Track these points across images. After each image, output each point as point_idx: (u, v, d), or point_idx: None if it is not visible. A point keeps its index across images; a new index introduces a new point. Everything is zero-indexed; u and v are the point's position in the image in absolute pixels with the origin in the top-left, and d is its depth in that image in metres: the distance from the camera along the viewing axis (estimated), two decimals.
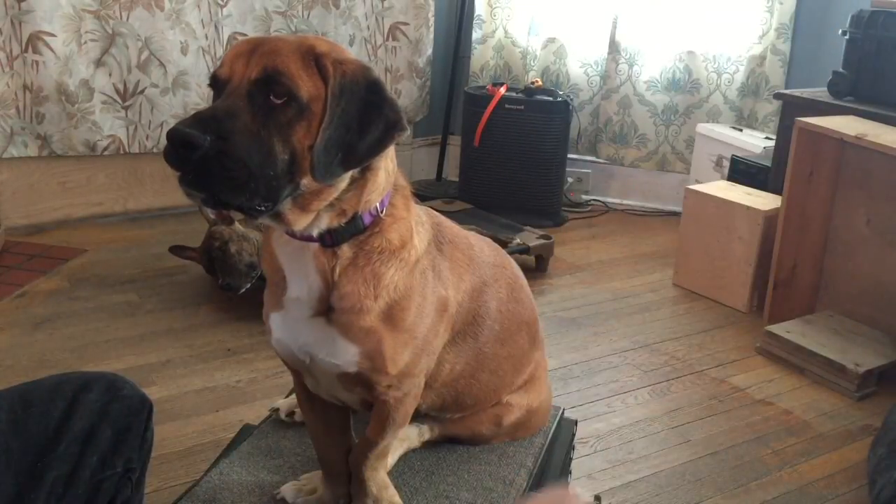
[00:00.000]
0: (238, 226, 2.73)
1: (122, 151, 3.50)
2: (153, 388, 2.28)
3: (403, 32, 4.10)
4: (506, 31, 4.17)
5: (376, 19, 4.03)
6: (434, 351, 1.35)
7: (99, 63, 3.35)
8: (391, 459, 1.51)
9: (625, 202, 4.19)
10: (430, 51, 4.20)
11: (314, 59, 1.11)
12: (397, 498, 1.42)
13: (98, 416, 1.17)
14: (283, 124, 1.08)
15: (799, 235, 2.84)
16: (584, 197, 4.20)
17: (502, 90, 3.79)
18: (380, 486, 1.42)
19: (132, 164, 3.57)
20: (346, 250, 1.20)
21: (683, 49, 3.92)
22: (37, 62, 3.21)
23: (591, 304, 3.06)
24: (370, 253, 1.21)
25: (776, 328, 2.72)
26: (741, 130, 3.73)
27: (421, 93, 4.26)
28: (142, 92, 3.47)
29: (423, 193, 3.78)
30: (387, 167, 1.21)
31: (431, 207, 1.42)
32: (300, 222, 1.15)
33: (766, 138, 3.55)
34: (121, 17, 3.35)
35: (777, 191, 2.97)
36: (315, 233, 1.18)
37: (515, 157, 3.78)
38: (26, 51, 3.19)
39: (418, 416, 1.53)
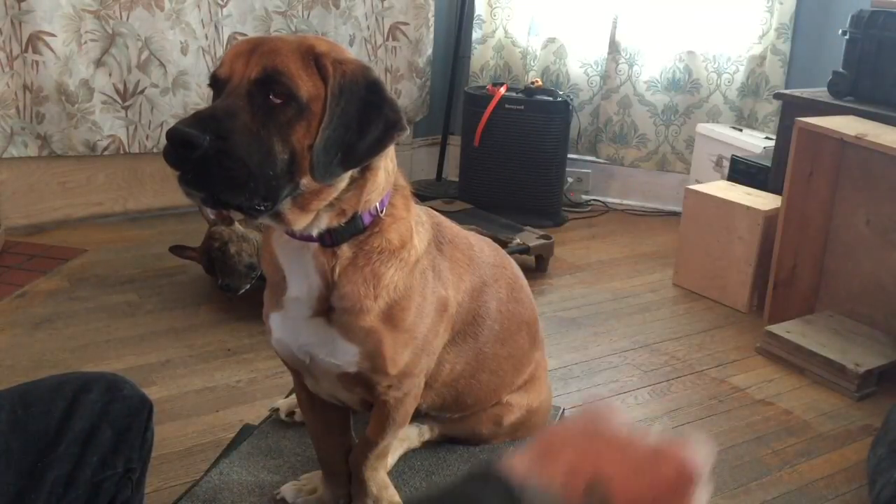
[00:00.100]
0: (238, 226, 2.73)
1: (122, 151, 3.50)
2: (153, 388, 2.27)
3: (403, 32, 4.10)
4: (506, 31, 4.17)
5: (376, 19, 4.03)
6: (434, 351, 1.35)
7: (99, 63, 3.35)
8: (391, 459, 1.51)
9: (625, 202, 4.19)
10: (430, 51, 4.20)
11: (314, 58, 1.11)
12: (397, 498, 1.42)
13: (98, 416, 1.17)
14: (282, 124, 1.08)
15: (799, 235, 2.84)
16: (584, 197, 4.20)
17: (502, 90, 3.78)
18: (380, 486, 1.42)
19: (132, 164, 3.57)
20: (345, 250, 1.20)
21: (683, 49, 3.92)
22: (37, 62, 3.21)
23: (591, 304, 3.06)
24: (370, 253, 1.21)
25: (776, 328, 2.72)
26: (741, 130, 3.73)
27: (421, 93, 4.26)
28: (142, 92, 3.47)
29: (423, 193, 3.78)
30: (386, 167, 1.21)
31: (431, 207, 1.42)
32: (300, 222, 1.15)
33: (766, 138, 3.55)
34: (121, 17, 3.35)
35: (777, 191, 2.97)
36: (315, 232, 1.18)
37: (515, 157, 3.78)
38: (26, 51, 3.19)
39: (418, 416, 1.53)
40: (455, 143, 4.20)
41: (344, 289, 1.21)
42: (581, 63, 4.09)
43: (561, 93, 3.90)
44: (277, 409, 1.71)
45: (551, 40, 4.10)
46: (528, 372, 1.61)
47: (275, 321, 1.30)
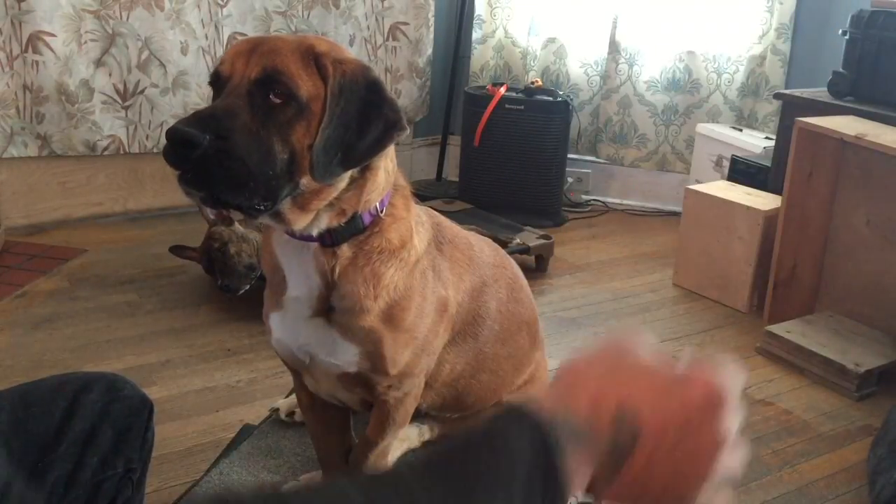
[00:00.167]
0: (237, 227, 2.73)
1: (122, 151, 3.50)
2: (153, 388, 2.27)
3: (403, 32, 4.10)
4: (506, 31, 4.17)
5: (376, 19, 4.02)
6: (434, 351, 1.35)
7: (99, 63, 3.35)
8: (391, 459, 1.51)
9: (625, 202, 4.18)
10: (430, 51, 4.20)
11: (314, 58, 1.11)
12: None
13: (99, 416, 1.17)
14: (282, 124, 1.08)
15: (799, 235, 2.84)
16: (584, 197, 4.20)
17: (502, 90, 3.78)
18: None
19: (132, 164, 3.57)
20: (345, 250, 1.20)
21: (683, 49, 3.92)
22: (37, 62, 3.21)
23: (591, 304, 3.06)
24: (370, 253, 1.21)
25: (776, 328, 2.71)
26: (741, 130, 3.73)
27: (421, 93, 4.26)
28: (142, 92, 3.47)
29: (423, 193, 3.78)
30: (386, 167, 1.21)
31: (431, 207, 1.42)
32: (300, 222, 1.15)
33: (766, 138, 3.55)
34: (121, 17, 3.34)
35: (777, 191, 2.97)
36: (315, 232, 1.18)
37: (515, 157, 3.78)
38: (26, 51, 3.19)
39: (418, 416, 1.53)
40: (455, 143, 4.20)
41: (344, 289, 1.21)
42: (581, 63, 4.09)
43: (561, 93, 3.90)
44: (277, 409, 1.71)
45: (551, 40, 4.10)
46: (528, 372, 1.61)
47: (275, 321, 1.30)
